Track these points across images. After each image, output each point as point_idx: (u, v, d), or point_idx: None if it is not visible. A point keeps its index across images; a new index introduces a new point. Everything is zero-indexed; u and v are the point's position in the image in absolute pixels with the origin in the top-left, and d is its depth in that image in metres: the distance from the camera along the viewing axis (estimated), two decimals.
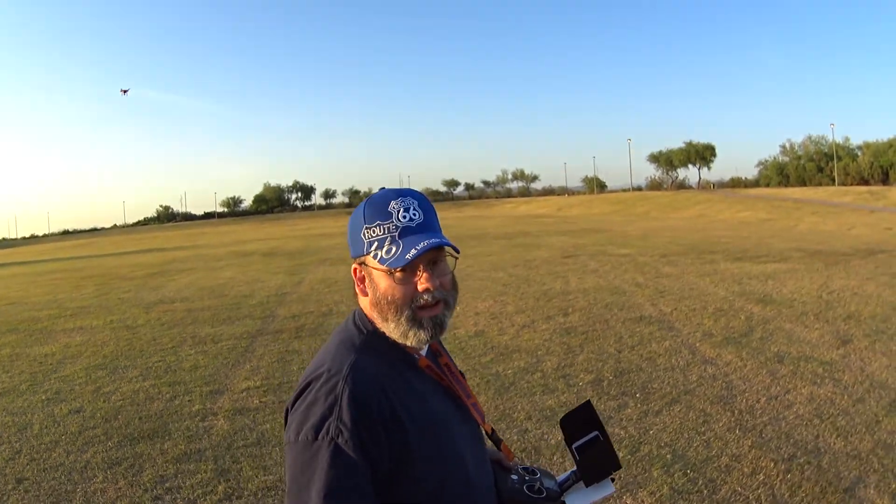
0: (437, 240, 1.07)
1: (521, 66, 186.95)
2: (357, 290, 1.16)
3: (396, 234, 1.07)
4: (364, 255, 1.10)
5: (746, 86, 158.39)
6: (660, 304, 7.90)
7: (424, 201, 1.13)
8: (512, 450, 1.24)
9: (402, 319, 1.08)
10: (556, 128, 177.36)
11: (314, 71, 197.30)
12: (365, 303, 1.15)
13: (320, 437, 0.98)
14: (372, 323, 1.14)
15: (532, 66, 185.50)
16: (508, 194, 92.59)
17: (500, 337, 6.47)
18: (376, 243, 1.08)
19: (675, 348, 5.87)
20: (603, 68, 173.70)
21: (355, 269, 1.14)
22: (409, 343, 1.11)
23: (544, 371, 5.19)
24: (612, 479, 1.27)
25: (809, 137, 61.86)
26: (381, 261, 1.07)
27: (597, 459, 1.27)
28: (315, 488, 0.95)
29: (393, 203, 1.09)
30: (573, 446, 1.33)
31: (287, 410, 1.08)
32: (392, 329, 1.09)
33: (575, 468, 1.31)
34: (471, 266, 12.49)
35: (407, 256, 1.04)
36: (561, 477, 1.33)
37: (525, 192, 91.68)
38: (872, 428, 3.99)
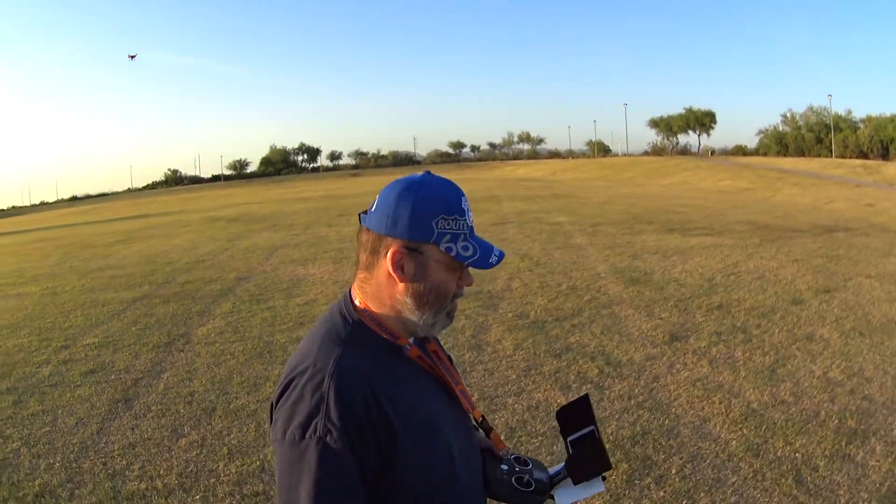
0: (503, 252, 1.14)
1: (532, 29, 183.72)
2: (390, 273, 1.08)
3: (468, 233, 1.09)
4: (427, 243, 1.06)
5: (755, 55, 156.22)
6: (517, 279, 7.85)
7: None
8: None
9: (443, 311, 1.11)
10: (563, 91, 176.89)
11: (324, 33, 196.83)
12: (392, 288, 1.09)
13: (308, 435, 0.96)
14: (359, 313, 1.12)
15: (542, 30, 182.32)
16: (517, 157, 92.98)
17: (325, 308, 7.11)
18: (449, 236, 1.07)
19: (461, 329, 5.72)
20: (608, 34, 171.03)
21: (397, 252, 1.06)
22: (433, 333, 1.15)
23: None
24: (603, 478, 1.26)
25: (811, 108, 61.82)
26: (459, 256, 1.07)
27: (590, 456, 1.25)
28: (304, 488, 0.96)
29: (463, 199, 1.10)
30: (568, 439, 1.32)
31: (272, 406, 1.06)
32: (426, 318, 1.10)
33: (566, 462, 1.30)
34: None
35: (490, 261, 1.08)
36: (553, 469, 1.31)
37: (533, 155, 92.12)
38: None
